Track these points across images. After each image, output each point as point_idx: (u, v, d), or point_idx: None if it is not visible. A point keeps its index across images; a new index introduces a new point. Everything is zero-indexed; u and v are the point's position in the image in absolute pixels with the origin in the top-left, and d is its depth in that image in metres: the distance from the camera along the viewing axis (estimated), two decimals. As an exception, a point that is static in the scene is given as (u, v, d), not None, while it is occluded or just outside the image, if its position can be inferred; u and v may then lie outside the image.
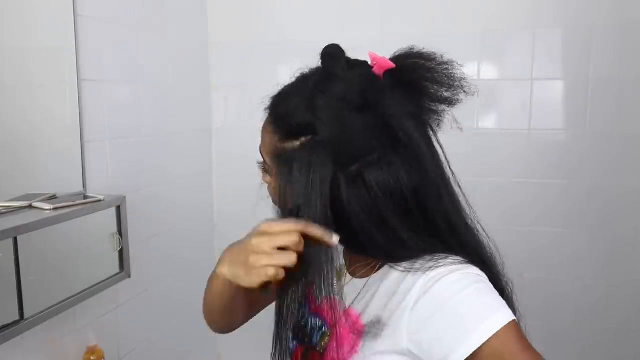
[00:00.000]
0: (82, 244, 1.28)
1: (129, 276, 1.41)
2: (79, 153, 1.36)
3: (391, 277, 0.71)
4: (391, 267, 0.72)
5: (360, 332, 0.71)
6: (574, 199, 1.86)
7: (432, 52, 0.71)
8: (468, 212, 0.74)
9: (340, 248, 0.77)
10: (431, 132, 0.72)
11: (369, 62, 0.72)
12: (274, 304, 0.91)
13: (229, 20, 2.09)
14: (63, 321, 1.28)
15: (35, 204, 1.17)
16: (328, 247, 0.66)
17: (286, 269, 0.64)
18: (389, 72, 0.70)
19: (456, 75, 0.70)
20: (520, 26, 1.86)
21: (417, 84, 0.70)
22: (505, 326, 0.61)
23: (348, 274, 0.80)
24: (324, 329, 0.77)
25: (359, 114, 0.66)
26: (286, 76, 0.76)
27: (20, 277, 1.07)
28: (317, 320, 0.79)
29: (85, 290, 1.26)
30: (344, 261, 0.82)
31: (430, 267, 0.67)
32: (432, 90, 0.70)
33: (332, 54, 0.70)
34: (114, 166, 1.50)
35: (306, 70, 0.74)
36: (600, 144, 1.82)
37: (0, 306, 1.05)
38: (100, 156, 1.45)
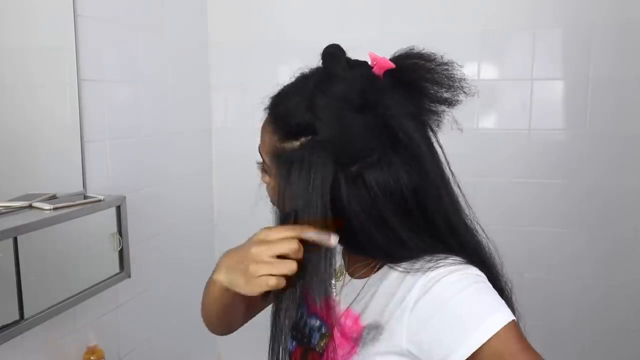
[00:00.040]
0: (82, 244, 1.28)
1: (129, 276, 1.41)
2: (79, 153, 1.37)
3: (391, 277, 0.71)
4: (391, 267, 0.72)
5: (360, 334, 0.71)
6: (574, 199, 1.86)
7: (432, 53, 0.71)
8: (467, 213, 0.74)
9: (339, 248, 0.77)
10: (431, 133, 0.72)
11: (369, 63, 0.72)
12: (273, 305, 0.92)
13: (229, 20, 2.09)
14: (63, 321, 1.28)
15: (35, 204, 1.17)
16: (328, 248, 0.66)
17: (286, 276, 0.64)
18: (389, 73, 0.70)
19: (456, 75, 0.70)
20: (520, 26, 1.86)
21: (417, 84, 0.70)
22: (505, 326, 0.61)
23: (347, 275, 0.80)
24: (323, 329, 0.77)
25: (359, 114, 0.66)
26: (286, 76, 0.75)
27: (20, 277, 1.07)
28: (316, 321, 0.79)
29: (85, 290, 1.26)
30: (342, 261, 0.82)
31: (430, 268, 0.67)
32: (432, 91, 0.70)
33: (333, 54, 0.70)
34: (114, 166, 1.51)
35: (306, 70, 0.74)
36: (600, 144, 1.82)
37: (0, 306, 1.05)
38: (100, 156, 1.45)
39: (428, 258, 0.68)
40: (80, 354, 1.35)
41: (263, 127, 0.75)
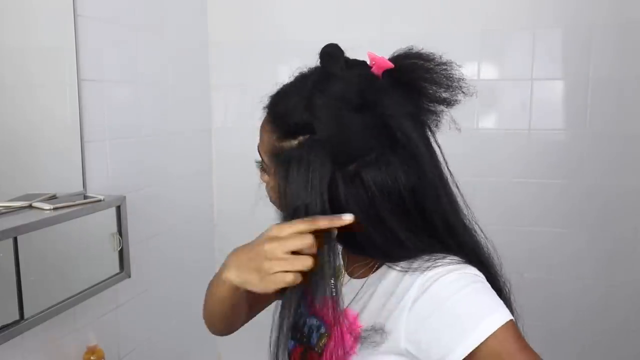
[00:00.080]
0: (82, 244, 1.28)
1: (129, 276, 1.41)
2: (79, 153, 1.37)
3: (389, 277, 0.71)
4: (389, 267, 0.72)
5: (358, 333, 0.71)
6: (574, 199, 1.86)
7: (431, 53, 0.71)
8: (466, 213, 0.74)
9: (339, 248, 0.77)
10: (429, 133, 0.72)
11: (368, 62, 0.72)
12: (273, 304, 0.92)
13: (229, 20, 2.09)
14: (63, 321, 1.28)
15: (35, 204, 1.17)
16: (329, 248, 0.66)
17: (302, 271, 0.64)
18: (387, 72, 0.70)
19: (455, 75, 0.70)
20: (520, 26, 1.86)
21: (415, 84, 0.70)
22: (502, 326, 0.61)
23: (346, 274, 0.80)
24: (322, 329, 0.77)
25: (357, 114, 0.66)
26: (286, 76, 0.76)
27: (20, 277, 1.07)
28: (315, 321, 0.79)
29: (85, 290, 1.26)
30: (342, 261, 0.82)
31: (428, 267, 0.67)
32: (431, 91, 0.70)
33: (331, 53, 0.70)
34: (114, 166, 1.51)
35: (305, 70, 0.74)
36: (600, 144, 1.82)
37: (0, 306, 1.05)
38: (100, 156, 1.45)
39: (426, 257, 0.68)
40: (80, 354, 1.36)
41: (262, 126, 0.75)
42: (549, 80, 1.86)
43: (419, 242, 0.68)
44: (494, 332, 0.60)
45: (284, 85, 0.75)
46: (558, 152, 1.87)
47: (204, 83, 2.10)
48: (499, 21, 1.86)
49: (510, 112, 1.91)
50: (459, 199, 0.73)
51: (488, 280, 0.68)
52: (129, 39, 1.59)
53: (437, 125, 0.72)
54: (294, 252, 0.64)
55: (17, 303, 1.07)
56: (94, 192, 1.36)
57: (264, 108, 0.75)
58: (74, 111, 1.35)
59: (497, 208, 1.89)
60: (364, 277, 0.76)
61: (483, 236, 0.75)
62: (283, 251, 0.64)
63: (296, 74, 0.75)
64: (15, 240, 1.05)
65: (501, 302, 0.65)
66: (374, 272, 0.75)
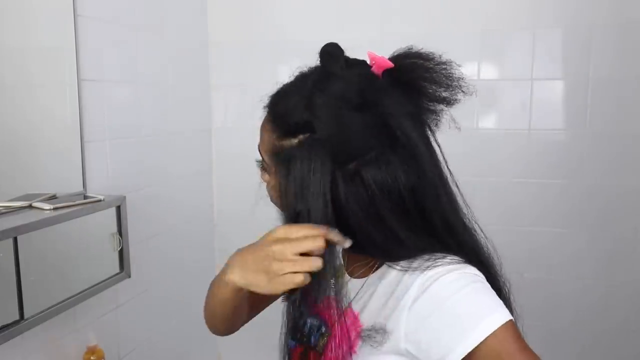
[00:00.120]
0: (82, 244, 1.28)
1: (129, 276, 1.41)
2: (79, 153, 1.37)
3: (389, 276, 0.71)
4: (389, 266, 0.72)
5: (359, 333, 0.71)
6: (574, 199, 1.86)
7: (431, 52, 0.71)
8: (466, 212, 0.74)
9: (339, 247, 0.77)
10: (429, 132, 0.72)
11: (368, 62, 0.72)
12: (273, 304, 0.92)
13: (229, 20, 2.09)
14: (63, 321, 1.28)
15: (35, 204, 1.17)
16: (329, 248, 0.67)
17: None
18: (387, 72, 0.70)
19: (454, 75, 0.70)
20: (520, 26, 1.86)
21: (415, 83, 0.70)
22: (502, 326, 0.61)
23: (346, 274, 0.80)
24: (322, 329, 0.77)
25: (357, 113, 0.66)
26: (286, 76, 0.76)
27: (20, 277, 1.07)
28: (316, 321, 0.79)
29: (85, 290, 1.26)
30: (342, 261, 0.82)
31: (428, 267, 0.67)
32: (431, 90, 0.70)
33: (331, 52, 0.70)
34: (114, 166, 1.51)
35: (305, 69, 0.74)
36: (600, 144, 1.82)
37: (0, 306, 1.05)
38: (100, 156, 1.45)
39: (426, 257, 0.68)
40: (80, 354, 1.36)
41: (262, 126, 0.75)
42: (549, 80, 1.86)
43: (418, 241, 0.68)
44: (493, 332, 0.60)
45: (284, 85, 0.75)
46: (558, 152, 1.87)
47: (204, 83, 2.10)
48: (499, 21, 1.86)
49: (510, 112, 1.91)
50: (458, 198, 0.73)
51: (488, 280, 0.68)
52: (129, 39, 1.59)
53: (437, 124, 0.72)
54: (303, 255, 0.65)
55: (17, 303, 1.07)
56: (94, 192, 1.36)
57: (264, 107, 0.75)
58: (74, 111, 1.35)
59: (497, 208, 1.89)
60: (364, 276, 0.76)
61: (483, 236, 0.75)
62: (293, 252, 0.64)
63: (296, 73, 0.75)
64: (15, 240, 1.05)
65: (501, 302, 0.65)
66: (374, 271, 0.75)
